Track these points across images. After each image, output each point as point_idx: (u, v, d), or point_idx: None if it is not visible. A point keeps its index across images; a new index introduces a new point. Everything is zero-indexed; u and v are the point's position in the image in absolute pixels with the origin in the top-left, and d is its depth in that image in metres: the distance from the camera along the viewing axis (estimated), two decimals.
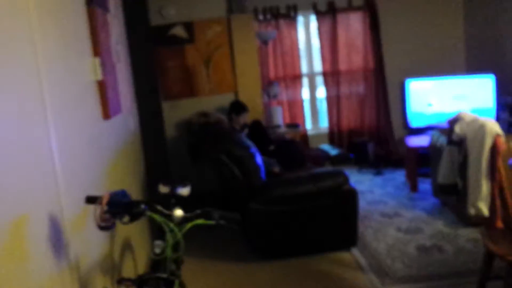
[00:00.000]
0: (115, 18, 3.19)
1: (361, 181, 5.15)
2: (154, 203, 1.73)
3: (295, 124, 5.60)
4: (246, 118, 4.64)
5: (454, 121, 3.38)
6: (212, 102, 5.01)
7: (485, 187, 3.03)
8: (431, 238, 3.52)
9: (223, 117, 4.63)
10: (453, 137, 3.32)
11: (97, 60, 2.48)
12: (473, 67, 5.82)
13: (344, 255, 3.38)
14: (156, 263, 1.72)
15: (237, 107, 4.62)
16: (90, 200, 1.64)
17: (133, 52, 4.17)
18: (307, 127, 5.98)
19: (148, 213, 1.68)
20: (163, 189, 2.15)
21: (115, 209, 1.59)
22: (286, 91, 5.85)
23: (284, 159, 4.27)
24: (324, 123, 6.09)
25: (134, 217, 1.63)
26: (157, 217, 1.69)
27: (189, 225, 1.70)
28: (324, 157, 5.04)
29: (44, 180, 1.59)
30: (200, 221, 1.72)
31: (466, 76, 5.53)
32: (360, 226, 3.78)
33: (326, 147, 5.50)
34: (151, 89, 5.07)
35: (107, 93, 2.56)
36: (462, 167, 3.25)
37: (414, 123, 5.49)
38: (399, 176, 5.16)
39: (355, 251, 3.43)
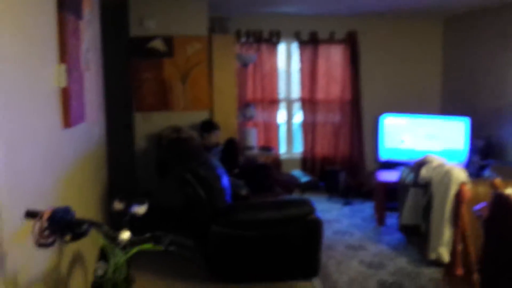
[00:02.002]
0: (89, 26, 3.12)
1: (329, 209, 5.11)
2: (99, 223, 1.64)
3: (268, 148, 5.56)
4: (218, 136, 4.57)
5: (420, 164, 3.39)
6: (186, 118, 4.93)
7: (447, 233, 3.02)
8: (393, 274, 3.48)
9: (195, 135, 4.56)
10: (419, 180, 3.32)
11: (63, 67, 2.39)
12: (448, 109, 5.93)
13: (305, 285, 3.31)
14: (97, 285, 1.62)
15: (208, 125, 4.57)
16: (30, 214, 1.54)
17: (108, 61, 4.09)
18: (280, 151, 5.95)
19: (93, 234, 1.58)
20: (118, 205, 2.06)
21: (56, 226, 1.49)
22: (263, 114, 5.84)
23: (253, 182, 4.20)
24: (298, 149, 6.07)
25: (75, 237, 1.53)
26: (101, 239, 1.59)
27: (134, 249, 1.61)
28: (294, 183, 5.00)
29: None
30: (148, 246, 1.64)
31: (440, 116, 5.61)
32: (324, 256, 3.72)
33: (297, 173, 5.47)
34: (124, 99, 4.99)
35: (70, 101, 2.46)
36: (426, 210, 3.24)
37: (385, 157, 5.52)
38: (368, 208, 5.14)
39: (316, 282, 3.35)
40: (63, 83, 2.39)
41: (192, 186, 3.07)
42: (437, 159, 3.35)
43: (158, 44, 4.89)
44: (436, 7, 5.18)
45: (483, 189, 2.74)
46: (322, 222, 3.31)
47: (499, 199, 2.21)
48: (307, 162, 5.91)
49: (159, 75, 4.91)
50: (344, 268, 3.60)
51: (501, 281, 2.08)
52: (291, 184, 4.84)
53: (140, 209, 2.08)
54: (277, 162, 5.78)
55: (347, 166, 5.87)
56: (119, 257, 1.57)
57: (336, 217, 4.86)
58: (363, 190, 5.45)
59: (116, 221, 1.94)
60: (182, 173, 3.13)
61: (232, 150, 4.44)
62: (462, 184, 2.83)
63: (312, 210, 3.30)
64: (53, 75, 2.27)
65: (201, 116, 4.92)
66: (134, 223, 2.08)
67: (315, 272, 3.38)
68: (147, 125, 4.87)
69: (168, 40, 4.88)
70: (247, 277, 3.31)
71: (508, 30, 4.78)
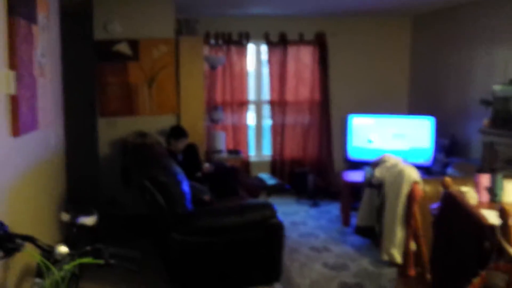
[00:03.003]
0: (44, 30, 3.06)
1: (297, 212, 5.14)
2: (35, 238, 1.61)
3: (236, 151, 5.56)
4: (185, 143, 4.54)
5: (376, 164, 3.43)
6: (152, 123, 4.88)
7: (399, 233, 3.06)
8: (355, 276, 3.52)
9: (161, 140, 4.53)
10: (373, 180, 3.36)
11: (12, 73, 2.34)
12: (414, 108, 6.03)
13: None
14: None
15: (177, 132, 4.52)
16: None
17: (70, 66, 4.03)
18: (250, 154, 5.95)
19: (27, 250, 1.55)
20: (65, 217, 2.02)
21: None
22: (232, 116, 5.83)
23: (218, 187, 4.19)
24: (267, 151, 6.08)
25: (8, 252, 1.50)
26: (34, 254, 1.56)
27: (71, 264, 1.58)
28: (261, 186, 5.00)
29: None
30: (86, 260, 1.61)
31: (407, 116, 5.71)
32: (288, 260, 3.74)
33: (264, 176, 5.47)
34: (87, 104, 4.92)
35: (19, 108, 2.41)
36: (379, 211, 3.28)
37: (354, 157, 5.58)
38: (335, 209, 5.19)
39: (277, 287, 3.36)
40: (12, 90, 2.34)
41: (151, 193, 3.04)
42: (392, 159, 3.39)
43: (123, 48, 4.83)
44: (403, 6, 5.25)
45: (436, 188, 2.78)
46: (283, 226, 3.30)
47: (448, 198, 2.23)
48: (276, 164, 5.93)
49: (124, 79, 4.84)
50: (306, 271, 3.62)
51: (450, 280, 2.11)
52: (257, 187, 4.85)
53: (88, 220, 2.05)
54: (246, 165, 5.78)
55: (316, 168, 5.91)
56: (55, 273, 1.54)
57: (303, 219, 4.89)
58: (331, 191, 5.50)
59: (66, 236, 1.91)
60: (141, 180, 3.10)
61: (193, 154, 4.41)
62: (414, 183, 2.87)
63: (273, 213, 3.29)
64: (1, 82, 2.22)
65: (167, 120, 4.88)
66: (95, 234, 2.05)
67: (277, 276, 3.37)
68: (112, 130, 4.80)
69: (134, 43, 4.83)
70: (208, 285, 3.28)
71: (473, 29, 4.88)
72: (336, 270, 3.64)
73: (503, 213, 1.94)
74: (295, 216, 4.95)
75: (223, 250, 3.20)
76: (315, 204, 5.34)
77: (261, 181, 5.18)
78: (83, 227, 2.00)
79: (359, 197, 4.53)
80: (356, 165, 5.46)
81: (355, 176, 4.75)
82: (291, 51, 5.93)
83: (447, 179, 2.39)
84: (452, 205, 2.18)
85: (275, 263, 3.35)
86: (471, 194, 2.57)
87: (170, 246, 3.09)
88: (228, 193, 4.17)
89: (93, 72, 4.79)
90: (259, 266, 3.33)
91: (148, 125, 4.82)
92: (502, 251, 1.78)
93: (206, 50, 5.47)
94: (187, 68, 4.99)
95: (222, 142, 5.34)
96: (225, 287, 3.28)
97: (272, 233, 3.27)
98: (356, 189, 4.63)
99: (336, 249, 4.04)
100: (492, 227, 1.80)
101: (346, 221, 4.64)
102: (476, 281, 1.89)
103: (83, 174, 4.59)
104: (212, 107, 5.53)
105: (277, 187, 5.22)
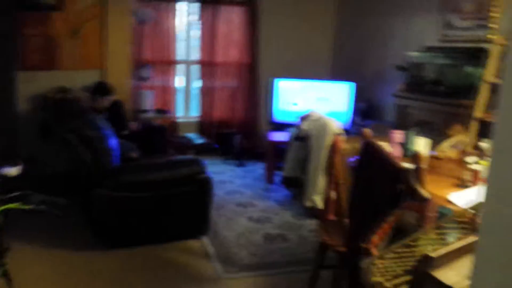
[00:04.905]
0: None
1: (223, 171, 5.28)
2: None
3: (164, 110, 5.51)
4: (110, 101, 4.42)
5: (303, 118, 3.62)
6: (75, 78, 4.68)
7: (321, 182, 3.30)
8: (278, 228, 3.75)
9: (84, 96, 4.37)
10: (300, 133, 3.56)
11: None
12: (337, 74, 6.31)
13: (194, 244, 3.43)
14: None
15: (102, 89, 4.39)
16: None
17: None
18: (177, 114, 5.93)
19: None
20: None
21: None
22: (160, 76, 5.71)
23: (146, 145, 4.18)
24: (195, 112, 6.09)
25: None
26: None
27: (0, 208, 1.56)
28: (189, 145, 5.05)
29: None
30: (14, 205, 1.60)
31: (329, 81, 5.98)
32: (215, 215, 3.87)
33: (192, 135, 5.51)
34: (4, 57, 4.58)
35: None
36: (305, 162, 3.50)
37: (278, 119, 5.78)
38: (260, 168, 5.40)
39: (205, 240, 3.49)
40: None
41: (75, 147, 2.98)
42: (317, 114, 3.60)
43: None
44: None
45: (359, 145, 3.00)
46: (212, 180, 3.42)
47: (367, 146, 2.43)
48: (204, 125, 5.97)
49: (46, 30, 4.56)
50: (233, 225, 3.79)
51: (366, 222, 2.32)
52: (185, 146, 4.89)
53: (11, 171, 2.02)
54: (173, 125, 5.75)
55: (242, 129, 6.03)
56: None
57: (229, 178, 5.05)
58: (257, 152, 5.69)
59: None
60: (65, 134, 3.02)
61: (118, 111, 4.34)
62: (336, 135, 3.10)
63: (202, 169, 3.38)
64: None
65: (92, 76, 4.70)
66: (18, 185, 2.00)
67: (205, 230, 3.52)
68: (31, 85, 4.54)
69: None
70: (136, 240, 3.32)
71: None
72: (260, 223, 3.84)
73: (416, 158, 2.18)
74: (222, 175, 5.09)
75: (152, 205, 3.25)
76: (241, 164, 5.50)
77: (189, 140, 5.22)
78: (7, 177, 1.96)
79: (282, 156, 4.76)
80: (281, 126, 5.66)
81: (280, 137, 4.94)
82: (223, 11, 5.87)
83: (366, 130, 2.58)
84: (370, 153, 2.37)
85: (204, 217, 3.47)
86: (386, 149, 2.83)
87: (95, 202, 3.06)
88: (156, 151, 4.18)
89: (12, 23, 4.44)
90: (188, 221, 3.44)
91: (71, 81, 4.62)
92: (414, 193, 2.01)
93: (133, 4, 5.25)
94: (114, 21, 4.81)
95: (150, 101, 5.26)
96: (153, 242, 3.35)
97: (201, 187, 3.37)
98: (280, 148, 4.84)
99: (261, 205, 4.25)
100: (406, 170, 2.01)
101: (269, 179, 4.85)
102: (391, 219, 2.13)
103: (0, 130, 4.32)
104: (139, 65, 5.38)
105: (205, 146, 5.30)
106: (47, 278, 2.86)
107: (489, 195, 0.86)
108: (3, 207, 1.61)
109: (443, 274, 1.30)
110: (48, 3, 4.52)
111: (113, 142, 3.28)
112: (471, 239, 1.38)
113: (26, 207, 1.59)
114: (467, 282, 1.03)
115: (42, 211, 1.64)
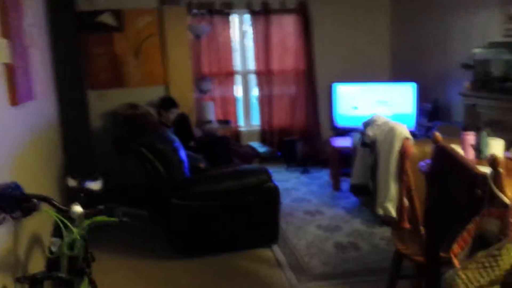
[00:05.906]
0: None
1: (288, 179, 5.24)
2: (50, 198, 1.64)
3: (226, 121, 5.59)
4: (176, 114, 4.55)
5: (367, 124, 3.51)
6: (142, 94, 4.87)
7: (393, 188, 3.16)
8: (348, 236, 3.65)
9: (152, 111, 4.53)
10: (366, 139, 3.45)
11: (5, 41, 2.32)
12: (396, 75, 6.12)
13: (265, 252, 3.42)
14: (52, 262, 1.63)
15: (167, 103, 4.52)
16: None
17: (56, 37, 3.96)
18: (239, 124, 5.99)
19: (44, 208, 1.59)
20: (71, 182, 2.06)
21: (5, 203, 1.49)
22: (219, 87, 5.82)
23: (211, 155, 4.24)
24: (256, 121, 6.13)
25: (26, 213, 1.54)
26: (52, 213, 1.60)
27: (87, 222, 1.63)
28: (253, 154, 5.07)
29: None
30: (100, 218, 1.65)
31: (389, 83, 5.80)
32: (283, 223, 3.85)
33: (255, 144, 5.54)
34: (75, 77, 4.85)
35: (15, 77, 2.40)
36: (373, 169, 3.38)
37: (340, 124, 5.68)
38: (325, 175, 5.31)
39: (275, 248, 3.47)
40: (7, 58, 2.32)
41: (149, 160, 3.07)
42: (382, 119, 3.48)
43: (107, 18, 4.76)
44: None
45: (428, 148, 2.87)
46: (278, 189, 3.40)
47: (440, 151, 2.31)
48: (265, 133, 5.99)
49: (110, 50, 4.80)
50: (302, 233, 3.74)
51: (444, 230, 2.21)
52: (250, 155, 4.91)
53: (94, 185, 2.09)
54: (236, 135, 5.82)
55: (304, 136, 5.99)
56: (73, 230, 1.59)
57: (294, 186, 5.00)
58: (320, 158, 5.61)
59: (73, 201, 1.94)
60: (139, 148, 3.13)
61: (184, 124, 4.44)
62: (405, 140, 2.96)
63: (268, 177, 3.38)
64: None
65: (157, 91, 4.87)
66: (100, 199, 2.09)
67: (275, 238, 3.50)
68: (102, 103, 4.78)
69: (118, 14, 4.76)
70: (208, 249, 3.38)
71: None
72: (330, 231, 3.76)
73: (493, 162, 2.04)
74: (287, 183, 5.06)
75: (222, 214, 3.29)
76: (305, 171, 5.45)
77: (253, 149, 5.25)
78: (90, 192, 2.04)
79: (347, 162, 4.66)
80: (343, 131, 5.56)
81: (343, 142, 4.85)
82: (274, 20, 5.89)
83: (437, 134, 2.45)
84: (444, 158, 2.25)
85: (272, 226, 3.46)
86: (458, 152, 2.67)
87: (171, 212, 3.15)
88: (222, 161, 4.23)
89: (76, 44, 4.71)
90: (257, 229, 3.43)
91: (137, 97, 4.81)
92: (494, 198, 1.88)
93: (189, 20, 5.40)
94: (173, 37, 4.96)
95: (212, 112, 5.36)
96: (224, 250, 3.39)
97: (269, 196, 3.36)
98: (344, 154, 4.74)
99: (329, 212, 4.17)
100: (483, 175, 1.89)
101: (336, 186, 4.76)
102: (471, 227, 2.00)
103: (76, 146, 4.56)
104: (199, 78, 5.51)
105: (269, 154, 5.31)
106: (128, 286, 2.96)
107: None
108: (90, 220, 1.67)
109: None
110: (109, 24, 4.75)
111: (183, 154, 3.36)
112: None
113: (112, 219, 1.64)
114: None
115: (127, 223, 1.68)
